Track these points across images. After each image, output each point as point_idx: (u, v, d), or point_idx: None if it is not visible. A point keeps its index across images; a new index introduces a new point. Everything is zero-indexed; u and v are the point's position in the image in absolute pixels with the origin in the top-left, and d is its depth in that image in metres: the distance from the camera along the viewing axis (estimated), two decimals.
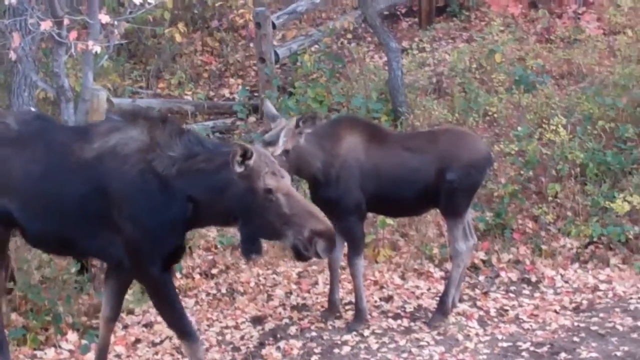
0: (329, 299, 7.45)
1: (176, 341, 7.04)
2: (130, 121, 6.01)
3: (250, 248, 5.90)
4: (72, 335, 7.09)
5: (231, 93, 11.91)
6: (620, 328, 7.12)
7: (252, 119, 10.92)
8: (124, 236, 5.93)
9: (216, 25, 12.87)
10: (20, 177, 6.04)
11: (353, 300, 7.36)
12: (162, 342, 7.14)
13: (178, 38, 11.82)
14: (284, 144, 6.61)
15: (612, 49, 11.69)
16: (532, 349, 6.80)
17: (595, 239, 8.40)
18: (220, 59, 12.60)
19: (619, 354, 6.67)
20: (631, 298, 7.68)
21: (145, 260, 5.96)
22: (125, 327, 7.35)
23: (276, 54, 11.19)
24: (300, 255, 5.80)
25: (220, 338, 7.19)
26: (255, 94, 11.33)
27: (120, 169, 5.88)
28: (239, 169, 5.68)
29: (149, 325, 7.41)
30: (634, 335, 6.97)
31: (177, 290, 7.79)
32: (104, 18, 7.22)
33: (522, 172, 9.02)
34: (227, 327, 7.36)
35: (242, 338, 7.18)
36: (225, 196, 5.81)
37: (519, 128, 9.56)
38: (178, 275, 8.02)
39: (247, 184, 5.73)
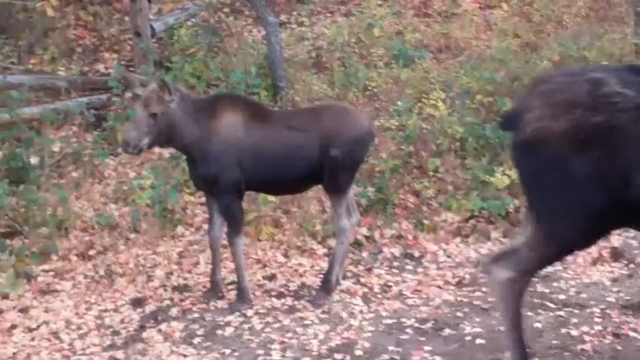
0: (210, 279, 7.32)
1: (53, 326, 6.83)
2: None
3: None
4: None
5: (106, 68, 11.57)
6: None
7: (128, 94, 10.62)
8: None
9: None
10: None
11: (236, 279, 7.25)
12: (38, 327, 6.89)
13: (50, 12, 11.36)
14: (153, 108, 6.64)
15: (488, 23, 11.79)
16: (416, 325, 6.78)
17: (476, 213, 8.45)
18: (95, 33, 12.25)
19: (502, 328, 6.70)
20: None
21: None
22: (0, 312, 7.08)
23: (152, 28, 10.93)
24: None
25: (99, 322, 6.97)
26: (131, 69, 11.05)
27: None
28: None
29: (24, 310, 7.13)
30: None
31: (53, 273, 7.66)
32: None
33: (402, 147, 9.03)
34: (106, 310, 7.14)
35: (122, 321, 6.98)
36: None
37: (399, 103, 9.58)
38: (54, 257, 7.78)
39: None
